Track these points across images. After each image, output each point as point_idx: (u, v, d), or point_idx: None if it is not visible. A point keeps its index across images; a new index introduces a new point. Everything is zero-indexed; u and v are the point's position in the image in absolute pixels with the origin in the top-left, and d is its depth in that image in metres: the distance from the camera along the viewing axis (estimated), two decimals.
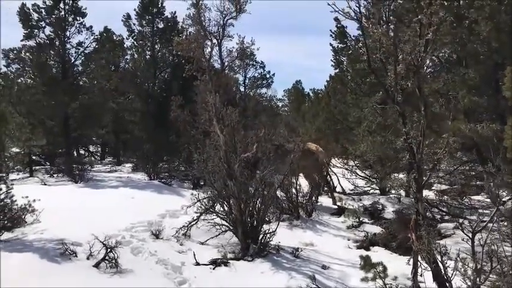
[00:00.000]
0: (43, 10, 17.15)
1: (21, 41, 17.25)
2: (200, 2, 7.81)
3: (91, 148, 24.77)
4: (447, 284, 5.29)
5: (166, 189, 13.60)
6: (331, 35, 14.42)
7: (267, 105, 24.74)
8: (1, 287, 5.06)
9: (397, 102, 5.58)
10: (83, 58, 18.34)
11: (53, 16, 17.19)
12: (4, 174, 7.77)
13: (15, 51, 17.41)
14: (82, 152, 22.92)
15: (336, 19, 14.02)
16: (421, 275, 5.43)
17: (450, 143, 5.65)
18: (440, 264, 5.25)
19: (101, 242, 6.58)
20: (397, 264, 7.10)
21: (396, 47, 5.39)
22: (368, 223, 10.49)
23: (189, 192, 12.78)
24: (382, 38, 5.35)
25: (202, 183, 15.20)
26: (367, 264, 5.42)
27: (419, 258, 5.57)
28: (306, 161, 11.33)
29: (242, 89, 23.43)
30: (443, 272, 5.28)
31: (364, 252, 8.44)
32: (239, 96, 20.94)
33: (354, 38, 14.16)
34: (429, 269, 5.54)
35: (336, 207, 11.69)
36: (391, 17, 8.95)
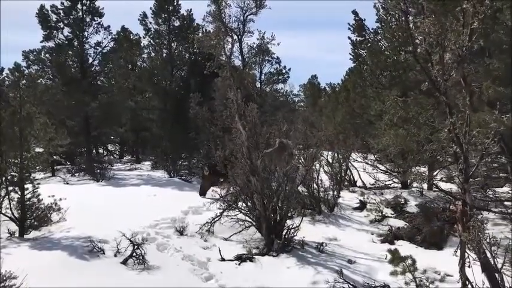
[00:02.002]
0: (61, 11, 17.37)
1: (41, 42, 17.52)
2: None
3: (109, 147, 25.01)
4: (496, 275, 5.19)
5: (186, 186, 13.67)
6: (349, 29, 14.29)
7: (284, 100, 24.63)
8: (34, 282, 5.11)
9: (444, 93, 5.47)
10: (100, 58, 18.53)
11: (71, 17, 17.41)
12: (27, 174, 7.86)
13: (35, 53, 17.68)
14: (101, 150, 23.16)
15: (354, 12, 13.93)
16: (469, 267, 5.33)
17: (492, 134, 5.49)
18: (489, 255, 5.13)
19: (128, 239, 6.64)
20: (424, 258, 7.02)
21: (445, 37, 5.28)
22: (391, 217, 10.41)
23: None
24: (431, 28, 5.23)
25: (221, 180, 15.26)
26: (395, 258, 5.37)
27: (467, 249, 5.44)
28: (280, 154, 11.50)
29: (258, 84, 23.44)
30: (492, 262, 5.17)
31: (388, 246, 8.39)
32: (255, 92, 20.90)
33: (372, 30, 14.01)
34: (476, 260, 5.41)
35: (357, 201, 11.60)
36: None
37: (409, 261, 5.36)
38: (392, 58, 12.30)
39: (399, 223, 9.84)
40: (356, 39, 14.52)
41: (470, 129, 5.18)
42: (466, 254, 5.35)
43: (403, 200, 11.33)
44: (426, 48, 5.40)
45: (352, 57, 14.93)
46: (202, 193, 11.58)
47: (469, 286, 5.28)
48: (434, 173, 11.79)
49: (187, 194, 11.79)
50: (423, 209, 10.18)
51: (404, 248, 8.24)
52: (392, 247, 8.16)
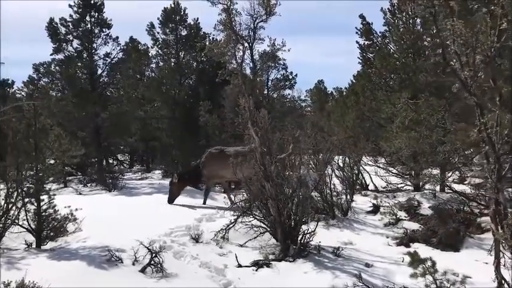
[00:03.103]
0: (70, 24, 17.56)
1: (51, 55, 17.73)
2: (231, 6, 7.88)
3: (119, 156, 25.16)
4: None
5: (198, 193, 13.67)
6: (356, 33, 14.38)
7: (291, 106, 24.65)
8: None
9: (474, 94, 5.46)
10: (109, 69, 18.70)
11: (80, 29, 17.60)
12: (43, 186, 7.91)
13: (45, 65, 17.89)
14: (111, 160, 23.31)
15: (362, 16, 13.99)
16: (504, 265, 5.29)
17: None
18: None
19: (146, 247, 6.67)
20: (441, 260, 6.97)
21: (477, 38, 5.29)
22: (405, 220, 10.37)
23: (221, 195, 12.88)
24: (462, 30, 5.24)
25: (233, 186, 15.30)
26: (415, 260, 5.35)
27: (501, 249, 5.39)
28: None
29: (265, 91, 23.50)
30: None
31: (404, 249, 8.38)
32: (264, 99, 20.96)
33: (380, 34, 14.08)
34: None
35: (370, 205, 11.57)
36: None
37: (429, 263, 5.34)
38: (401, 61, 12.33)
39: (414, 226, 9.80)
40: (364, 43, 14.59)
41: (502, 129, 5.16)
42: (500, 253, 5.30)
43: (416, 203, 11.29)
44: (455, 50, 5.38)
45: (360, 61, 14.99)
46: (171, 200, 11.58)
47: (506, 286, 5.24)
48: (448, 175, 11.75)
49: (199, 201, 11.81)
50: (437, 210, 10.14)
51: (420, 250, 8.12)
52: (408, 250, 8.17)
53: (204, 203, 11.59)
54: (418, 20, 13.28)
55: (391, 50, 13.61)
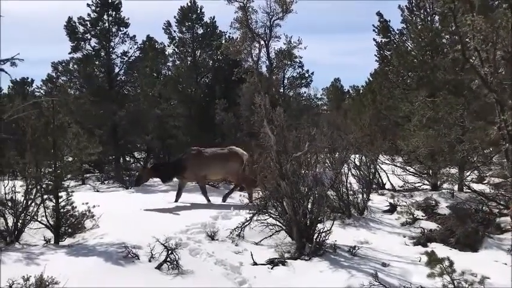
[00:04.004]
0: (88, 23, 17.76)
1: (69, 53, 17.96)
2: (247, 4, 7.88)
3: (136, 154, 25.34)
4: None
5: (214, 191, 13.73)
6: (373, 30, 14.27)
7: (307, 104, 24.58)
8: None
9: (495, 90, 5.38)
10: (126, 67, 18.87)
11: (98, 28, 17.79)
12: (61, 183, 8.01)
13: (63, 64, 18.13)
14: (128, 158, 23.49)
15: (379, 13, 13.87)
16: None
17: None
18: None
19: (162, 244, 6.71)
20: (459, 260, 6.88)
21: (497, 33, 5.21)
22: (422, 219, 10.27)
23: (236, 193, 12.87)
24: (483, 25, 5.17)
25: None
26: (432, 260, 5.28)
27: None
28: (233, 162, 11.70)
29: (281, 89, 23.47)
30: None
31: (421, 249, 8.31)
32: (280, 97, 20.94)
33: (397, 31, 13.95)
34: None
35: (387, 204, 11.48)
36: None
37: (447, 263, 5.27)
38: (419, 58, 12.19)
39: (431, 225, 9.70)
40: (381, 40, 14.48)
41: None
42: None
43: (433, 202, 11.17)
44: (475, 46, 5.29)
45: (377, 59, 14.87)
46: (137, 183, 11.82)
47: None
48: (467, 174, 11.60)
49: (214, 199, 11.84)
50: (455, 210, 10.02)
51: (438, 250, 8.01)
52: (426, 250, 8.09)
53: (176, 200, 11.51)
54: (437, 17, 13.13)
55: (409, 48, 13.47)
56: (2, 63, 6.94)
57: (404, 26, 13.70)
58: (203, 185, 11.83)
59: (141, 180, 11.82)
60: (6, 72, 7.25)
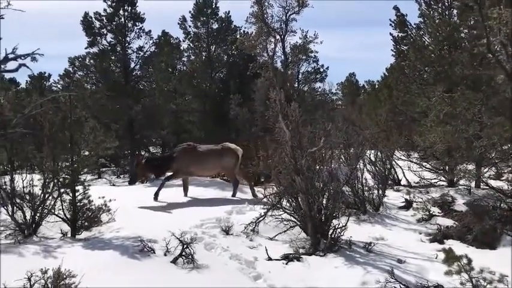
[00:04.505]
0: (104, 18, 17.88)
1: (85, 48, 18.12)
2: None
3: (151, 149, 25.51)
4: None
5: (228, 186, 13.72)
6: (390, 24, 14.11)
7: (322, 99, 24.42)
8: (80, 283, 5.25)
9: None
10: (142, 62, 18.98)
11: (114, 23, 17.89)
12: (78, 177, 8.08)
13: (80, 59, 18.29)
14: (144, 153, 23.66)
15: (396, 8, 13.70)
16: None
17: None
18: None
19: (177, 238, 6.74)
20: (476, 258, 6.79)
21: None
22: (438, 216, 10.16)
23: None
24: (510, 18, 5.06)
25: (262, 180, 15.30)
26: (450, 257, 5.22)
27: None
28: (228, 158, 11.60)
29: (295, 84, 23.37)
30: None
31: (437, 246, 8.24)
32: (294, 92, 20.85)
33: (414, 26, 13.77)
34: None
35: (403, 200, 11.38)
36: None
37: (465, 261, 5.21)
38: (437, 53, 12.01)
39: (447, 222, 9.59)
40: (398, 35, 14.31)
41: None
42: None
43: (450, 199, 11.03)
44: (501, 40, 5.19)
45: (393, 54, 14.72)
46: (133, 181, 11.59)
47: None
48: (484, 170, 11.43)
49: (229, 194, 11.85)
50: (473, 207, 9.88)
51: (455, 247, 7.94)
52: (442, 246, 8.01)
53: (155, 198, 11.04)
54: (455, 11, 12.92)
55: (426, 42, 13.29)
56: (22, 58, 7.02)
57: (422, 20, 13.52)
58: (186, 180, 11.69)
59: (136, 177, 11.67)
60: (27, 67, 7.33)
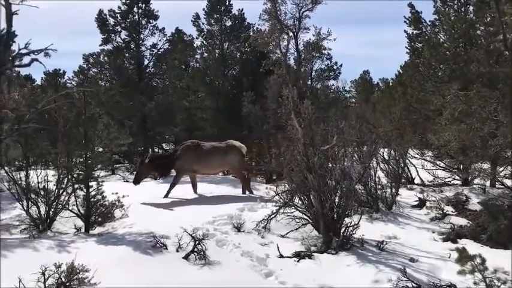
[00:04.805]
0: (118, 15, 18.00)
1: (100, 45, 18.27)
2: None
3: (164, 146, 25.63)
4: None
5: (240, 183, 13.77)
6: (405, 21, 13.98)
7: (336, 97, 24.31)
8: (92, 277, 5.30)
9: None
10: (155, 59, 19.08)
11: (128, 20, 18.01)
12: (92, 173, 8.15)
13: (94, 56, 18.45)
14: (157, 149, 23.79)
15: (410, 4, 13.58)
16: None
17: None
18: None
19: (189, 234, 6.77)
20: (490, 257, 6.71)
21: None
22: (452, 215, 10.07)
23: (263, 186, 12.90)
24: None
25: (274, 177, 15.29)
26: (463, 256, 5.17)
27: None
28: (233, 155, 11.53)
29: (309, 81, 23.28)
30: None
31: (451, 245, 8.16)
32: (308, 89, 20.79)
33: (429, 23, 13.63)
34: None
35: (416, 199, 11.29)
36: None
37: (478, 260, 5.15)
38: (452, 50, 11.88)
39: (461, 221, 9.51)
40: (412, 32, 14.19)
41: None
42: None
43: (464, 198, 10.93)
44: None
45: (408, 51, 14.59)
46: (137, 181, 11.11)
47: None
48: (500, 169, 11.29)
49: (241, 191, 11.86)
50: (487, 206, 9.75)
51: (468, 246, 7.89)
52: (456, 246, 7.94)
53: (167, 195, 10.97)
54: (471, 8, 12.76)
55: (441, 40, 13.14)
56: (35, 53, 7.11)
57: (437, 17, 13.38)
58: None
59: (140, 176, 11.27)
60: (40, 62, 7.43)
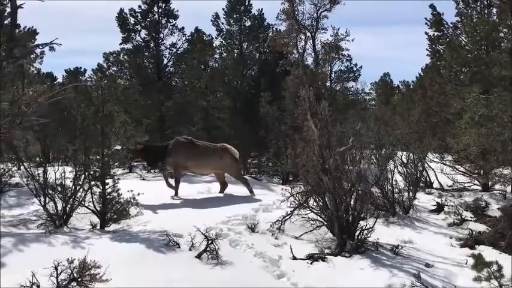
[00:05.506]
0: (139, 14, 18.18)
1: (120, 44, 18.48)
2: None
3: None
4: None
5: (256, 184, 13.76)
6: (426, 23, 13.79)
7: (355, 98, 24.14)
8: (104, 274, 5.33)
9: None
10: (174, 59, 19.21)
11: (148, 19, 18.17)
12: (108, 170, 8.21)
13: (114, 55, 18.66)
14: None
15: (432, 6, 13.39)
16: None
17: None
18: None
19: (202, 233, 6.77)
20: (508, 265, 6.57)
21: None
22: (471, 221, 9.90)
23: (278, 187, 12.87)
24: None
25: (291, 178, 15.25)
26: (479, 263, 5.05)
27: None
28: (225, 158, 11.37)
29: (328, 83, 23.16)
30: None
31: (468, 251, 8.00)
32: (326, 90, 20.68)
33: (451, 25, 13.42)
34: None
35: (434, 203, 11.12)
36: None
37: (495, 267, 5.03)
38: (474, 53, 11.66)
39: (480, 227, 9.34)
40: (433, 34, 13.99)
41: None
42: None
43: (484, 203, 10.75)
44: None
45: (429, 53, 14.39)
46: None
47: None
48: None
49: (256, 191, 11.82)
50: (507, 212, 9.56)
51: (486, 253, 7.74)
52: (473, 252, 7.77)
53: (176, 194, 10.91)
54: (494, 10, 12.53)
55: (463, 42, 12.92)
56: (41, 47, 7.19)
57: (459, 19, 13.17)
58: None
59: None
60: (38, 55, 7.45)
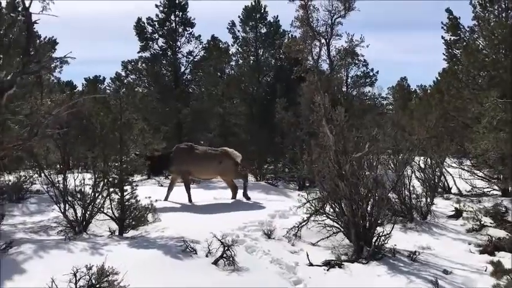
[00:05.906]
0: (156, 23, 18.43)
1: (138, 52, 18.74)
2: (308, 2, 7.83)
3: None
4: None
5: (272, 190, 13.79)
6: (442, 27, 13.70)
7: (371, 104, 23.98)
8: (122, 280, 5.41)
9: None
10: (191, 66, 19.40)
11: (165, 28, 18.40)
12: (127, 177, 8.33)
13: (132, 63, 18.93)
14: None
15: (448, 10, 13.30)
16: None
17: None
18: None
19: (219, 240, 6.83)
20: None
21: None
22: (490, 226, 9.75)
23: (295, 193, 12.87)
24: None
25: (307, 184, 15.22)
26: (499, 270, 5.00)
27: None
28: (226, 163, 11.42)
29: (344, 88, 23.08)
30: None
31: (487, 258, 7.88)
32: (342, 96, 20.61)
33: (468, 29, 13.30)
34: None
35: (452, 209, 10.99)
36: None
37: None
38: (491, 57, 11.52)
39: (500, 233, 9.19)
40: (450, 38, 13.88)
41: None
42: None
43: (503, 209, 10.55)
44: None
45: (445, 58, 14.28)
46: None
47: None
48: None
49: (273, 197, 11.89)
50: None
51: (506, 260, 7.63)
52: (492, 259, 7.67)
53: (190, 200, 11.11)
54: None
55: (480, 46, 12.78)
56: (55, 61, 7.33)
57: (476, 23, 13.05)
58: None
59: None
60: (48, 68, 7.57)
